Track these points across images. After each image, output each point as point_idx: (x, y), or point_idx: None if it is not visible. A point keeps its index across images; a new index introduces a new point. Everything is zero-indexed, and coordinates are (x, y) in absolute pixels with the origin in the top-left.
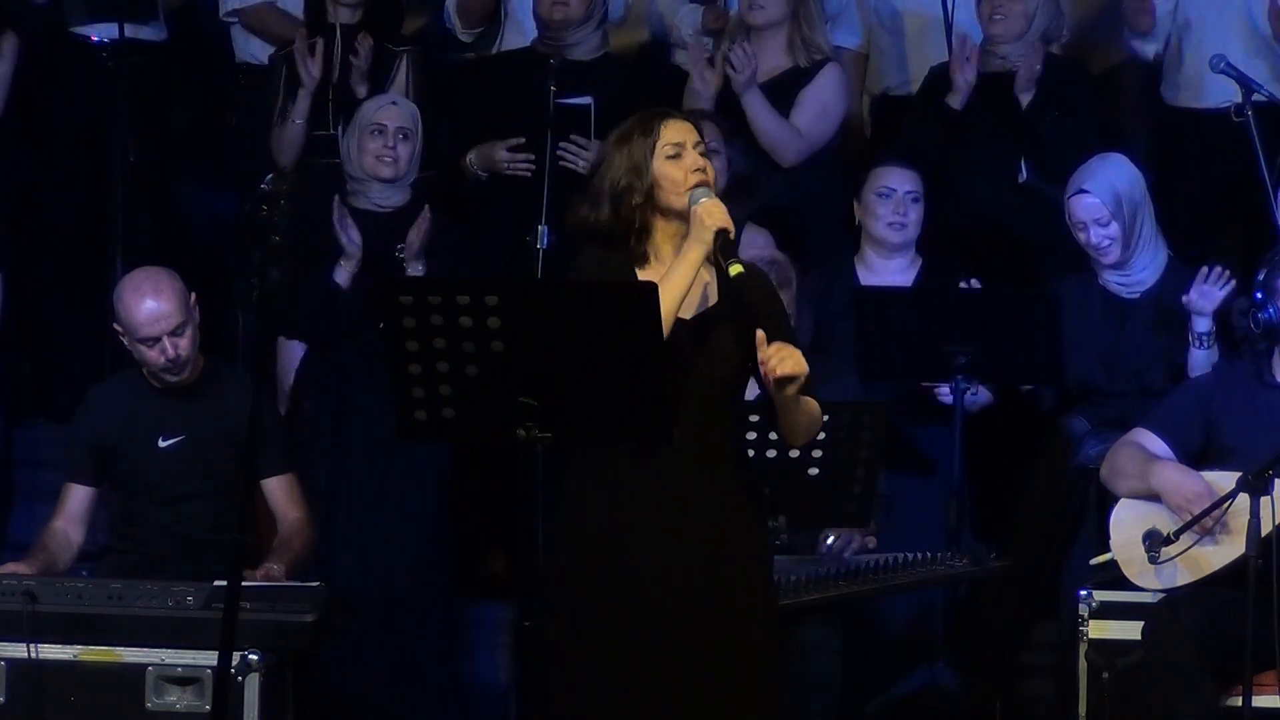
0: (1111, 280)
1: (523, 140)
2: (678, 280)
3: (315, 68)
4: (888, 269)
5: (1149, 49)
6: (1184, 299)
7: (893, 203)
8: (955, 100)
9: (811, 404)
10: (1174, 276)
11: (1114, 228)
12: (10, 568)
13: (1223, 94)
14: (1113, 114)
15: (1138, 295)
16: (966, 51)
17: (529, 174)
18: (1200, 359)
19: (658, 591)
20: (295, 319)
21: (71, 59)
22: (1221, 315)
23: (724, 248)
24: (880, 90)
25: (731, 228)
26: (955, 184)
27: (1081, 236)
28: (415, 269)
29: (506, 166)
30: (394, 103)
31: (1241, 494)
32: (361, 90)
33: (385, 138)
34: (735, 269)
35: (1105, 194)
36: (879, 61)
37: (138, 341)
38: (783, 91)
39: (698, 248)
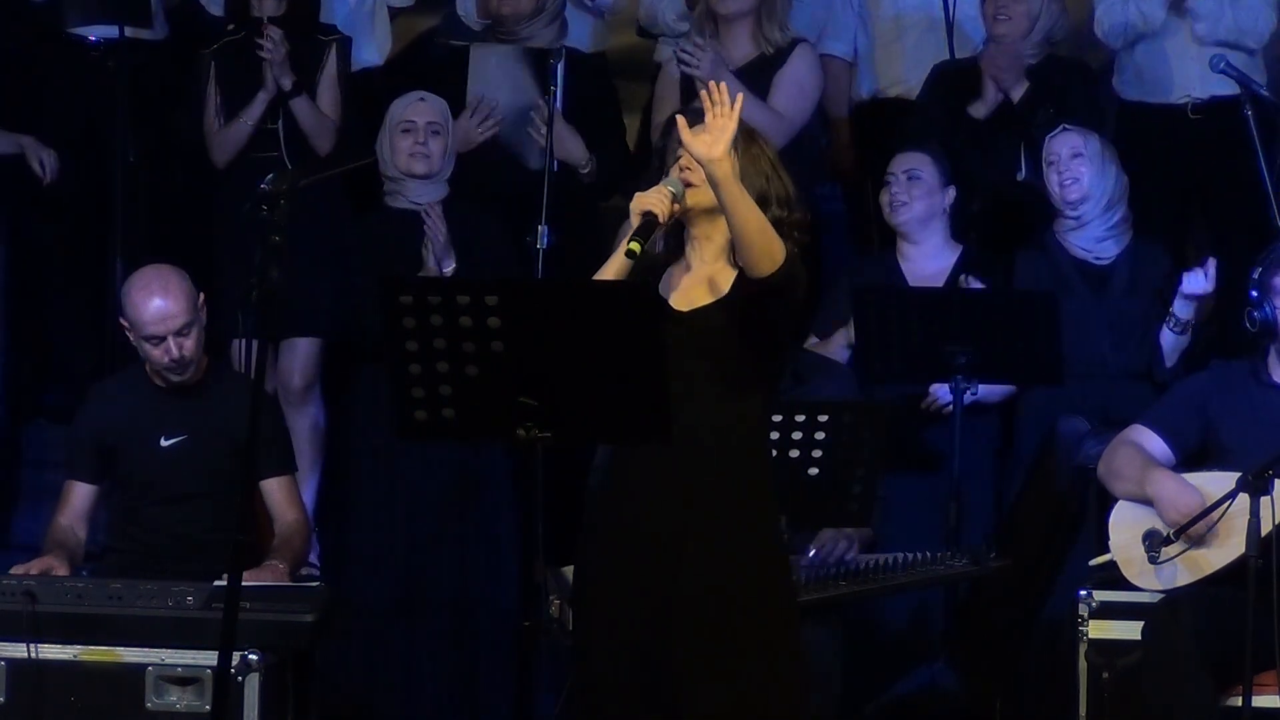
0: (1077, 246)
1: (479, 99)
2: (612, 261)
3: (279, 60)
4: (919, 255)
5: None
6: (1181, 287)
7: (892, 183)
8: (979, 110)
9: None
10: (1143, 250)
11: (1086, 172)
12: (42, 563)
13: (1181, 89)
14: (1108, 109)
15: (1108, 260)
16: (1000, 62)
17: (498, 129)
18: (1170, 341)
19: (657, 578)
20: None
21: (71, 59)
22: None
23: (641, 228)
24: (872, 92)
25: (661, 212)
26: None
27: (1053, 176)
28: (448, 265)
29: (479, 133)
30: (422, 99)
31: (1241, 494)
32: (286, 82)
33: (416, 134)
34: (632, 246)
35: (1089, 136)
36: (872, 62)
37: (143, 339)
38: (755, 77)
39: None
